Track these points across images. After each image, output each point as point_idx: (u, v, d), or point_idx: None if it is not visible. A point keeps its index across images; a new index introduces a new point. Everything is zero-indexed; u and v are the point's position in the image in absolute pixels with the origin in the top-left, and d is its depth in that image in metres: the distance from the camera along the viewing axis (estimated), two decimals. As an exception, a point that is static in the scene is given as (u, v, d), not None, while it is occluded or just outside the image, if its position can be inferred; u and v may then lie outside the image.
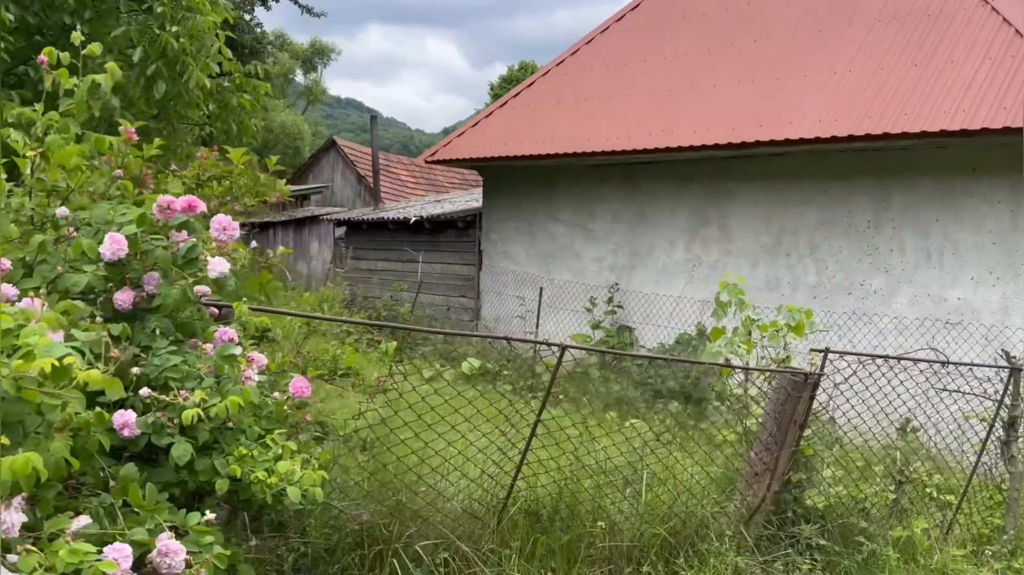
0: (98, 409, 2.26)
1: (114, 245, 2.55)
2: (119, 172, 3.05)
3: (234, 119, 9.61)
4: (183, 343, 2.81)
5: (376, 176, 18.22)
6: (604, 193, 12.44)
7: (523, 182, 13.53)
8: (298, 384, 3.22)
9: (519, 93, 13.95)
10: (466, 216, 14.62)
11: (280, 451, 2.95)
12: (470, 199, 17.10)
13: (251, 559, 3.74)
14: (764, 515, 4.76)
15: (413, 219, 15.29)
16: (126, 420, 2.38)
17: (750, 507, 4.71)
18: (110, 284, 2.70)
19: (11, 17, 7.13)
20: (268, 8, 25.75)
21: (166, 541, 2.19)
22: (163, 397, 2.41)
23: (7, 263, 2.55)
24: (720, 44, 11.80)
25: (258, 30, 22.91)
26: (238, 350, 2.93)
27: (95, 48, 2.90)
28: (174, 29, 7.69)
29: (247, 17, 22.78)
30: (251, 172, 4.49)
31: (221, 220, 2.80)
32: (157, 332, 2.62)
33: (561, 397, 9.85)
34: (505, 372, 11.29)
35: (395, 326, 3.99)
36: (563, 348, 4.05)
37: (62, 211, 2.67)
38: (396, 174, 30.80)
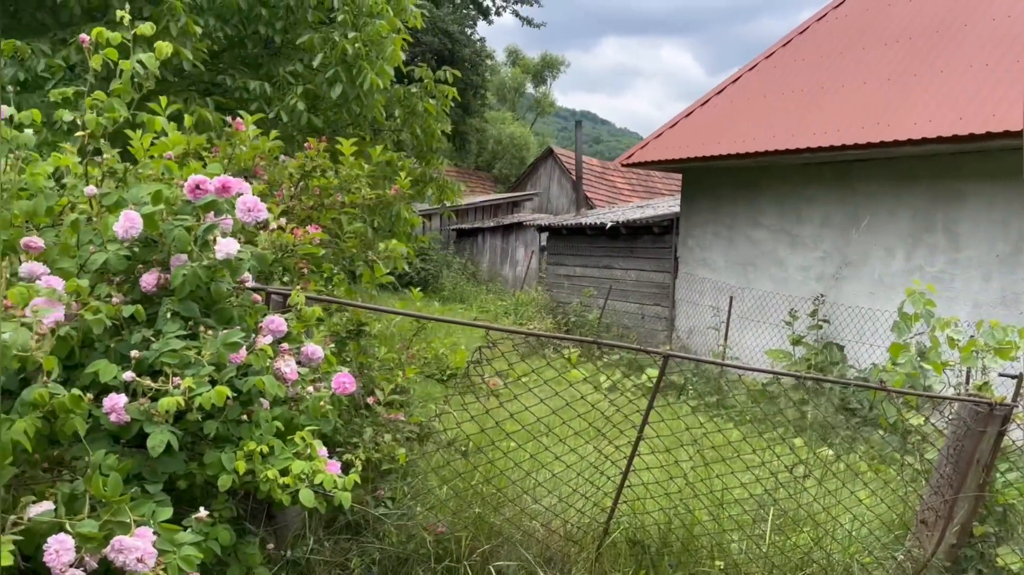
0: (75, 391, 2.16)
1: (127, 223, 2.48)
2: (169, 154, 3.02)
3: (420, 124, 9.82)
4: (215, 328, 2.69)
5: (578, 182, 18.05)
6: (813, 194, 11.30)
7: (723, 184, 12.68)
8: (340, 379, 3.00)
9: (722, 90, 13.10)
10: (662, 221, 14.00)
11: (310, 449, 2.76)
12: (673, 204, 16.40)
13: (322, 562, 3.60)
14: (938, 573, 3.88)
15: (609, 224, 14.90)
16: (114, 405, 2.28)
17: (916, 561, 3.85)
18: (140, 265, 2.64)
19: (203, 27, 7.74)
20: (490, 22, 26.59)
21: (120, 537, 2.04)
22: (147, 382, 2.28)
23: (39, 241, 2.56)
24: (949, 25, 10.28)
25: (478, 44, 23.66)
26: (267, 339, 2.77)
27: (146, 29, 2.88)
28: (352, 35, 7.94)
29: (468, 31, 23.65)
30: (359, 164, 4.36)
31: (247, 201, 2.65)
32: (168, 315, 2.51)
33: (740, 416, 9.02)
34: (690, 387, 10.58)
35: (486, 326, 3.69)
36: (665, 357, 3.52)
37: (90, 190, 2.65)
38: (612, 181, 30.59)
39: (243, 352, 2.59)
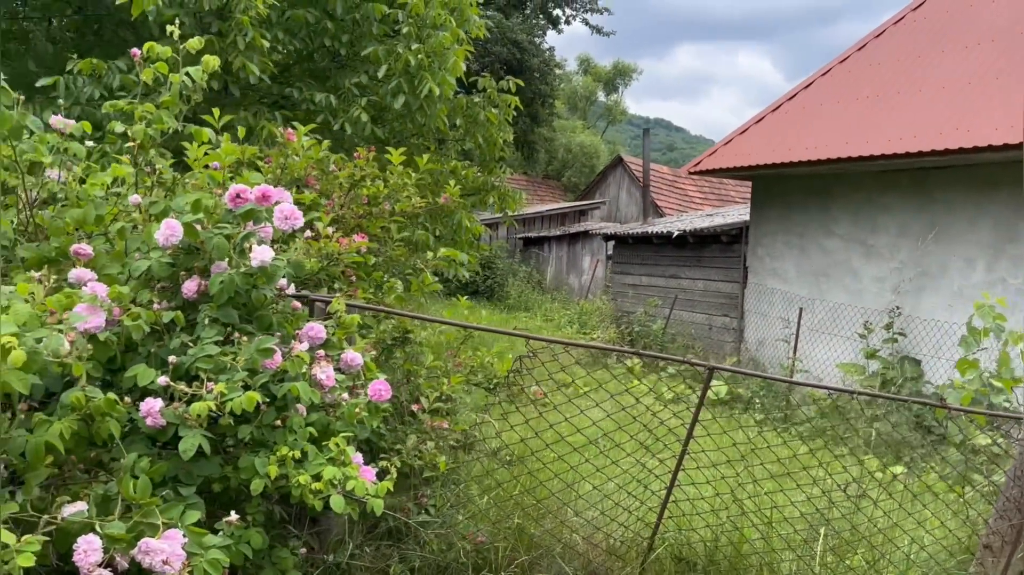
0: (110, 394, 2.23)
1: (167, 231, 2.55)
2: (216, 164, 3.10)
3: (482, 133, 9.87)
4: (253, 334, 2.74)
5: (646, 190, 17.86)
6: (889, 203, 10.90)
7: (794, 191, 12.35)
8: (376, 386, 3.02)
9: (794, 95, 12.78)
10: (731, 230, 13.72)
11: (343, 456, 2.78)
12: (743, 213, 16.06)
13: (363, 567, 3.63)
14: (1005, 605, 3.66)
15: (676, 233, 14.69)
16: (150, 409, 2.34)
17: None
18: (183, 272, 2.71)
19: (271, 40, 7.94)
20: (560, 32, 26.60)
21: (147, 539, 2.09)
22: (181, 387, 2.34)
23: (88, 248, 2.66)
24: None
25: (546, 53, 23.69)
26: (303, 346, 2.80)
27: (196, 43, 2.97)
28: (415, 47, 8.03)
29: (536, 41, 23.72)
30: (407, 173, 4.39)
31: (283, 209, 2.69)
32: (205, 321, 2.57)
33: (808, 432, 8.73)
34: (757, 401, 10.32)
35: (526, 335, 3.63)
36: (710, 369, 3.43)
37: (135, 198, 2.74)
38: (683, 189, 30.18)
39: (278, 358, 2.63)
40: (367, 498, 2.77)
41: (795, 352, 11.02)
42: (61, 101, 6.90)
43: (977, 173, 9.61)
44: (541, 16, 24.69)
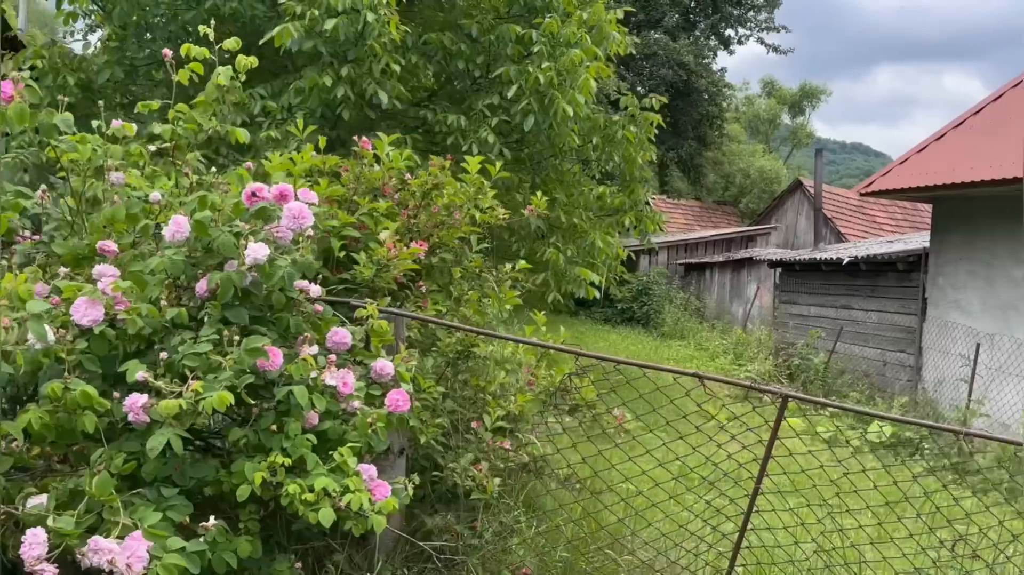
0: (85, 387, 2.22)
1: (174, 227, 2.56)
2: (249, 164, 3.10)
3: (618, 152, 9.61)
4: (267, 335, 2.69)
5: (817, 214, 16.72)
6: (1091, 227, 9.47)
7: (980, 214, 11.05)
8: (393, 396, 2.88)
9: (980, 109, 11.49)
10: (908, 257, 12.48)
11: (347, 467, 2.65)
12: (925, 239, 14.60)
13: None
14: None
15: (846, 260, 13.58)
16: (132, 404, 2.32)
17: None
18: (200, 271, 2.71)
19: (407, 64, 8.13)
20: (731, 52, 25.75)
21: (96, 538, 2.05)
22: (159, 383, 2.30)
23: (113, 245, 2.72)
24: None
25: (716, 75, 22.95)
26: (312, 349, 2.72)
27: (233, 44, 3.01)
28: (545, 65, 7.93)
29: (705, 62, 23.04)
30: (479, 181, 4.24)
31: (292, 208, 2.63)
32: (205, 320, 2.54)
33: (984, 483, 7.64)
34: (925, 446, 9.20)
35: (578, 352, 3.34)
36: (785, 398, 3.00)
37: (155, 196, 2.78)
38: (870, 215, 28.14)
39: (277, 360, 2.55)
40: (371, 514, 2.63)
41: (970, 394, 9.76)
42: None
43: None
44: (712, 37, 24.01)
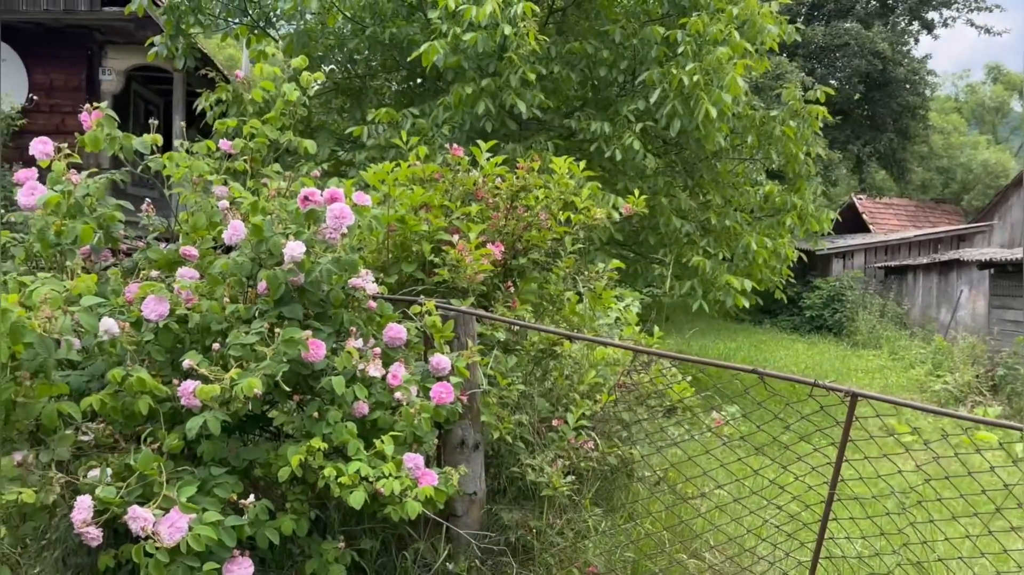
0: (141, 373, 2.52)
1: (231, 231, 2.82)
2: (316, 172, 3.33)
3: (776, 148, 9.17)
4: (322, 329, 2.91)
5: (1035, 208, 14.85)
6: None
7: None
8: (438, 389, 2.99)
9: None
10: None
11: (388, 454, 2.80)
12: None
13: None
14: None
15: (1065, 258, 12.00)
16: (184, 389, 2.59)
17: None
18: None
19: (549, 73, 8.27)
20: (936, 37, 23.53)
21: (134, 506, 2.32)
22: (203, 370, 2.55)
23: (194, 250, 3.06)
24: None
25: (914, 64, 21.08)
26: (358, 343, 2.89)
27: (300, 62, 3.26)
28: (690, 67, 7.75)
29: (904, 49, 21.23)
30: (568, 183, 4.23)
31: (334, 210, 2.81)
32: (255, 314, 2.78)
33: None
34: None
35: (633, 348, 3.18)
36: (853, 395, 2.78)
37: (223, 204, 3.06)
38: (1121, 209, 24.60)
39: (319, 351, 2.74)
40: (407, 500, 2.76)
41: None
42: (367, 143, 7.97)
43: None
44: (913, 22, 22.08)
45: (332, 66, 9.98)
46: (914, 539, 2.89)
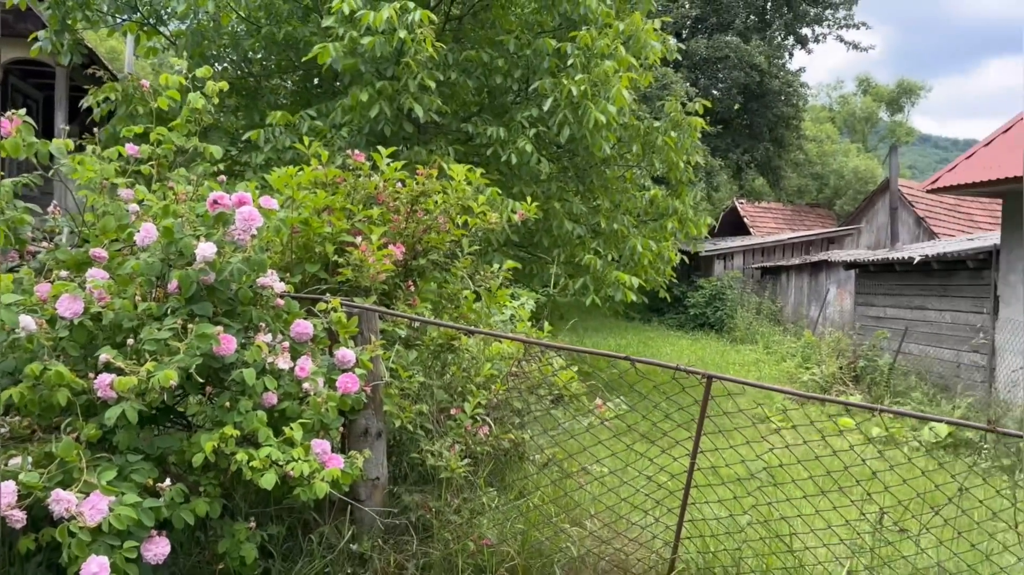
0: (59, 367, 2.66)
1: (144, 234, 2.99)
2: (221, 178, 3.52)
3: (659, 157, 9.75)
4: (231, 325, 3.09)
5: (893, 213, 16.24)
6: None
7: (1052, 208, 10.59)
8: (343, 380, 3.23)
9: (1052, 97, 11.01)
10: (978, 255, 12.03)
11: (297, 440, 3.02)
12: (997, 236, 13.99)
13: (382, 558, 3.79)
14: None
15: (917, 259, 13.18)
16: (100, 382, 2.74)
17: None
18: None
19: (446, 80, 8.53)
20: (809, 51, 25.16)
21: (57, 490, 2.47)
22: (119, 363, 2.71)
23: (103, 252, 3.18)
24: None
25: (788, 76, 22.52)
26: (267, 338, 3.09)
27: (205, 71, 3.44)
28: (578, 77, 8.18)
29: (779, 62, 22.64)
30: (465, 189, 4.54)
31: (243, 212, 3.02)
32: (168, 312, 2.96)
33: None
34: (985, 447, 8.89)
35: (524, 339, 3.55)
36: (709, 378, 3.19)
37: (133, 207, 3.22)
38: (967, 213, 26.94)
39: (230, 345, 2.93)
40: (315, 481, 2.99)
41: (1030, 392, 9.37)
42: (263, 147, 8.02)
43: None
44: (789, 36, 23.55)
45: (226, 65, 9.94)
46: (763, 503, 3.34)
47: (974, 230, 25.35)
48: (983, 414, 10.41)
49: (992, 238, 13.52)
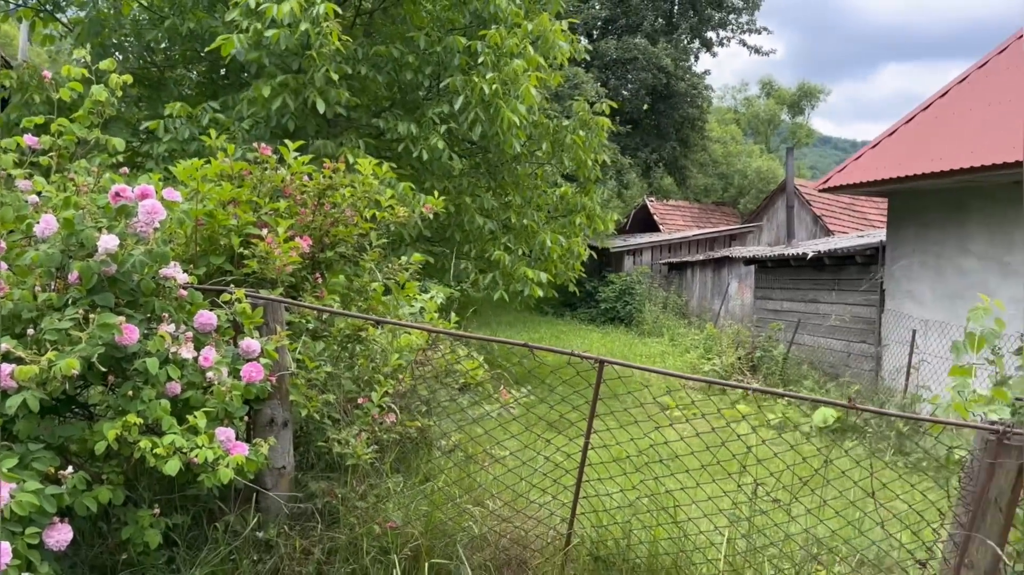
0: (-45, 356, 2.66)
1: (43, 225, 2.99)
2: (125, 170, 3.54)
3: (568, 155, 10.01)
4: (133, 315, 3.12)
5: (790, 212, 17.06)
6: (1028, 217, 9.78)
7: (930, 208, 11.38)
8: (247, 369, 3.30)
9: (928, 106, 11.82)
10: (866, 250, 12.81)
11: (201, 428, 3.08)
12: (883, 234, 14.92)
13: (288, 544, 3.87)
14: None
15: (810, 254, 13.92)
16: (1, 371, 2.75)
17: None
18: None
19: (356, 74, 8.56)
20: (714, 55, 26.11)
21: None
22: (19, 353, 2.73)
23: (2, 243, 3.16)
24: None
25: (693, 79, 23.33)
26: (170, 328, 3.14)
27: (108, 64, 3.45)
28: (490, 76, 8.34)
29: (685, 65, 23.41)
30: (372, 183, 4.64)
31: (146, 205, 3.06)
32: (69, 302, 2.97)
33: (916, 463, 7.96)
34: (868, 430, 9.53)
35: (428, 329, 3.69)
36: (601, 362, 3.40)
37: (32, 198, 3.21)
38: (862, 212, 28.43)
39: (132, 335, 2.97)
40: (219, 467, 3.06)
41: (907, 379, 10.10)
42: (163, 139, 7.88)
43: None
44: (695, 40, 24.37)
45: (128, 54, 9.68)
46: (651, 479, 3.59)
47: (867, 228, 26.79)
48: (870, 400, 11.10)
49: (879, 235, 14.38)
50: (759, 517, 3.51)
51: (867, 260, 12.91)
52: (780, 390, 3.02)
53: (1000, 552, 3.22)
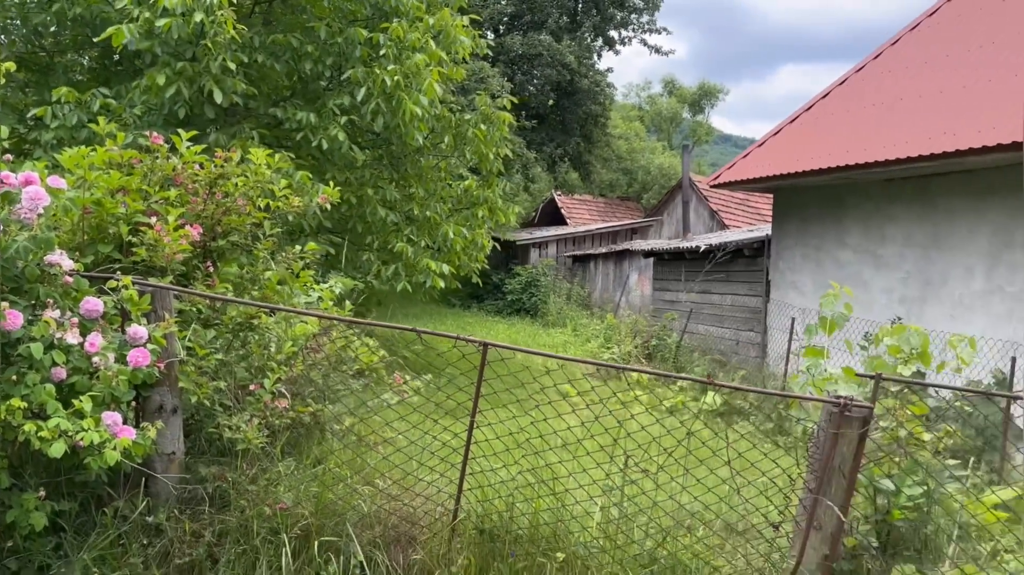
0: None
1: (-81, 209, 2.99)
2: (8, 156, 3.54)
3: (470, 149, 10.19)
4: (16, 303, 3.13)
5: (686, 207, 17.76)
6: (896, 212, 10.56)
7: (811, 203, 12.11)
8: (134, 355, 3.36)
9: (811, 107, 12.56)
10: (753, 243, 13.50)
11: (86, 411, 3.13)
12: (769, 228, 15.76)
13: (179, 528, 3.92)
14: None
15: (703, 248, 14.56)
16: None
17: (781, 570, 3.64)
18: (-43, 249, 3.13)
19: (254, 63, 8.50)
20: (617, 53, 26.79)
21: None
22: None
23: None
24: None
25: (598, 75, 23.91)
26: (55, 314, 3.18)
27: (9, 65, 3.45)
28: (391, 67, 8.42)
29: (588, 62, 23.96)
30: (264, 173, 4.71)
31: (30, 191, 3.09)
32: (-51, 287, 2.98)
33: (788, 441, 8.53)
34: (751, 412, 10.12)
35: (328, 317, 3.84)
36: (485, 345, 3.61)
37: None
38: (756, 207, 29.66)
39: (17, 321, 3.00)
40: (105, 450, 3.12)
41: (787, 364, 10.77)
42: (51, 125, 7.66)
43: (975, 180, 9.23)
44: (598, 38, 24.94)
45: (13, 38, 9.32)
46: (532, 454, 3.83)
47: (761, 222, 28.04)
48: (755, 383, 11.75)
49: (766, 229, 15.16)
50: (630, 487, 3.80)
51: (754, 253, 13.60)
52: (653, 370, 3.29)
53: (842, 515, 3.61)
